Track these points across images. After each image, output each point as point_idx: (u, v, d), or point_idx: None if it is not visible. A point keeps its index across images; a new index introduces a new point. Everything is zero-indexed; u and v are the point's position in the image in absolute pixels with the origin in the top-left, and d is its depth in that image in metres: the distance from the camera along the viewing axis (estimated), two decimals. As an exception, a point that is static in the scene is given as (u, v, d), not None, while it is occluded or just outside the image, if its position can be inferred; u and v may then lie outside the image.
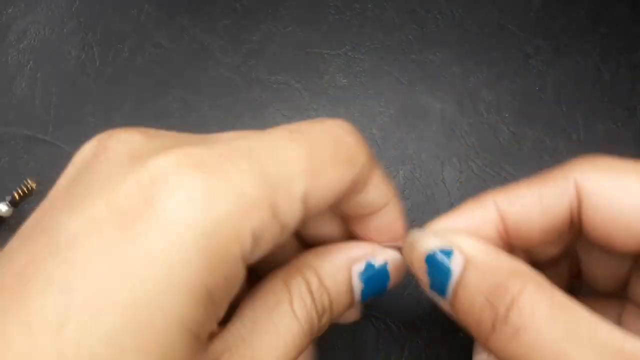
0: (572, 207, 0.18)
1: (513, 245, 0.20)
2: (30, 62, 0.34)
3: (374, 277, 0.20)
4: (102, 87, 0.33)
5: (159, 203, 0.13)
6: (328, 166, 0.16)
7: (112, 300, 0.12)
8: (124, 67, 0.34)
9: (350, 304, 0.20)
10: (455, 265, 0.18)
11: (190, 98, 0.34)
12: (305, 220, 0.16)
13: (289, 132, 0.17)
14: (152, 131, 0.16)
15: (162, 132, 0.16)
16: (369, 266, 0.20)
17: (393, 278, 0.21)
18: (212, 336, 0.16)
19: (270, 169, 0.15)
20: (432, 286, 0.19)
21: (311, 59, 0.34)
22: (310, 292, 0.18)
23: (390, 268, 0.20)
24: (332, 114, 0.33)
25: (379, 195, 0.19)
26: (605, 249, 0.18)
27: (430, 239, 0.19)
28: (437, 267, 0.18)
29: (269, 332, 0.17)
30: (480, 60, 0.34)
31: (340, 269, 0.20)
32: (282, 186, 0.15)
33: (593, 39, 0.35)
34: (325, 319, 0.19)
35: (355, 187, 0.18)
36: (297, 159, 0.15)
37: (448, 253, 0.18)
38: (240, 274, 0.15)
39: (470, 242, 0.18)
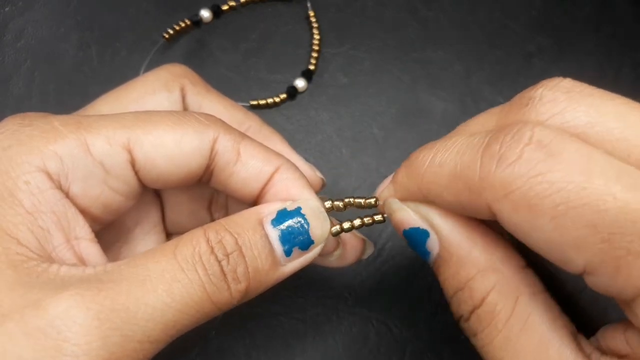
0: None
1: None
2: (28, 61, 0.33)
3: (289, 218, 0.19)
4: (100, 86, 0.32)
5: None
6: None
7: None
8: (121, 66, 0.33)
9: (274, 255, 0.19)
10: (432, 247, 0.18)
11: (189, 97, 0.33)
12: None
13: None
14: None
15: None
16: (282, 212, 0.19)
17: (315, 226, 0.19)
18: None
19: None
20: (410, 246, 0.19)
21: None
22: (207, 239, 0.18)
23: (306, 212, 0.19)
24: (333, 113, 0.33)
25: (261, 160, 0.20)
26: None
27: (409, 215, 0.19)
28: (414, 242, 0.19)
29: (138, 267, 0.17)
30: (483, 58, 0.34)
31: (248, 218, 0.19)
32: None
33: (596, 38, 0.35)
34: (238, 264, 0.18)
35: (218, 154, 0.19)
36: None
37: (425, 233, 0.18)
38: None
39: (448, 225, 0.18)
